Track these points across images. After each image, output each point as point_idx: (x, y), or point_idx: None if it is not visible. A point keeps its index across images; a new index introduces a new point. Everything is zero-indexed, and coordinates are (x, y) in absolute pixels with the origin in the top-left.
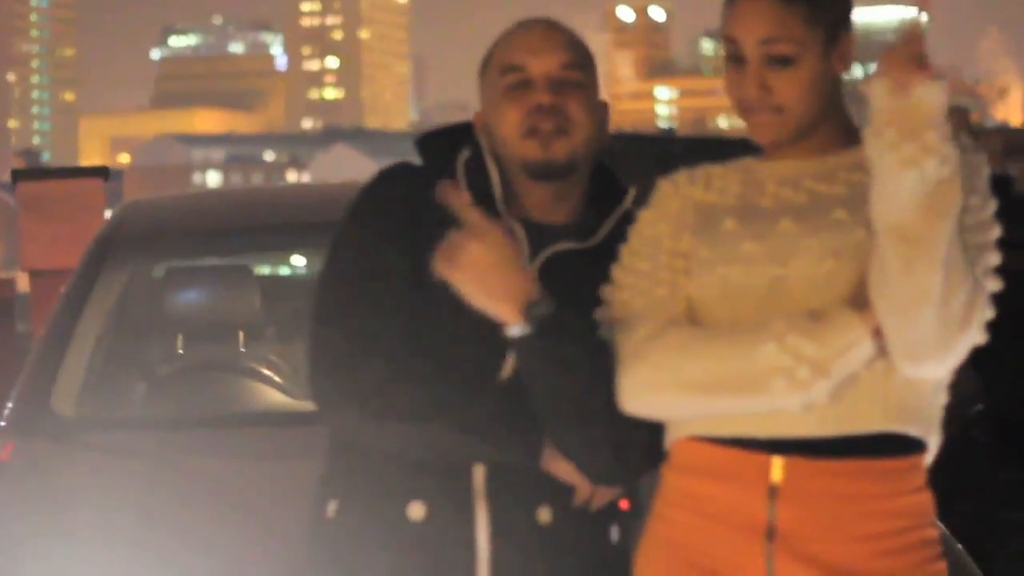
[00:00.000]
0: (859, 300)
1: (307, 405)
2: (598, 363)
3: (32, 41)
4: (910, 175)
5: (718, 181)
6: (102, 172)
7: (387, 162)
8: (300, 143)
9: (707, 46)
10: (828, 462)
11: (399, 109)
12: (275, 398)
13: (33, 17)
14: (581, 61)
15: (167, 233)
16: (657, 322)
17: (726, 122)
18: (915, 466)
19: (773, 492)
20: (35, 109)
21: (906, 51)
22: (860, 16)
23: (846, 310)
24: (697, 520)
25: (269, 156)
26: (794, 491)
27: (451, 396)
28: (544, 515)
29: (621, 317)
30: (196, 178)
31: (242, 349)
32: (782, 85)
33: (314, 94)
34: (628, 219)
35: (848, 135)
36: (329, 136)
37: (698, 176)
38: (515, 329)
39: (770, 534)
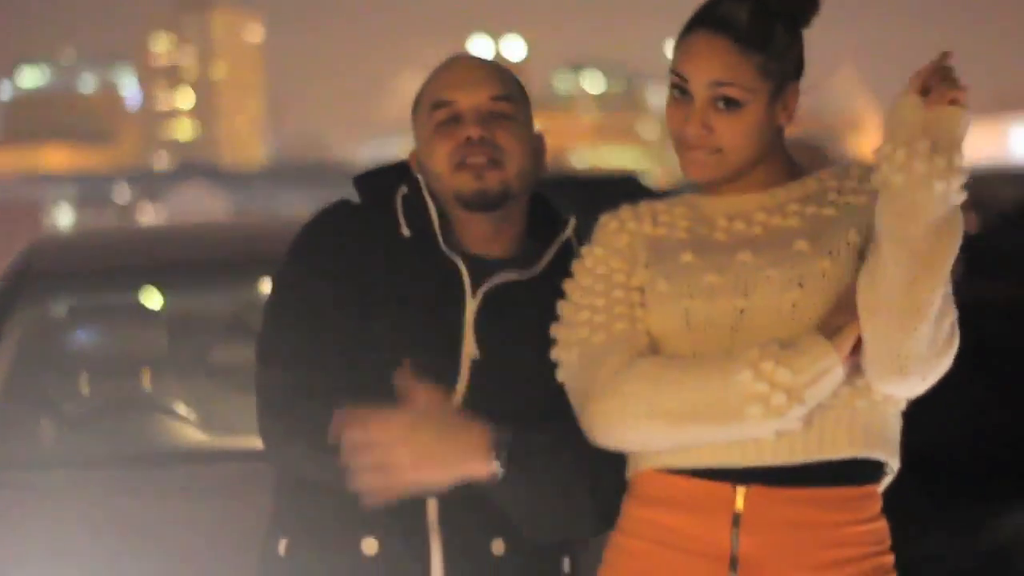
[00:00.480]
0: (826, 329)
1: (222, 441)
2: (570, 449)
3: None
4: (938, 188)
5: (664, 216)
6: None
7: (242, 198)
8: (154, 180)
9: (561, 83)
10: (789, 490)
11: (254, 146)
12: (189, 434)
13: None
14: (510, 93)
15: (74, 271)
16: (624, 355)
17: (580, 159)
18: (872, 494)
19: (736, 521)
20: None
21: (940, 68)
22: None
23: (818, 337)
24: (660, 550)
25: (123, 193)
26: (756, 519)
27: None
28: (497, 547)
29: (583, 354)
30: (47, 218)
31: (147, 388)
32: (725, 128)
33: (167, 131)
34: (568, 249)
35: (790, 172)
36: (183, 173)
37: (643, 211)
38: (490, 474)
39: (733, 563)
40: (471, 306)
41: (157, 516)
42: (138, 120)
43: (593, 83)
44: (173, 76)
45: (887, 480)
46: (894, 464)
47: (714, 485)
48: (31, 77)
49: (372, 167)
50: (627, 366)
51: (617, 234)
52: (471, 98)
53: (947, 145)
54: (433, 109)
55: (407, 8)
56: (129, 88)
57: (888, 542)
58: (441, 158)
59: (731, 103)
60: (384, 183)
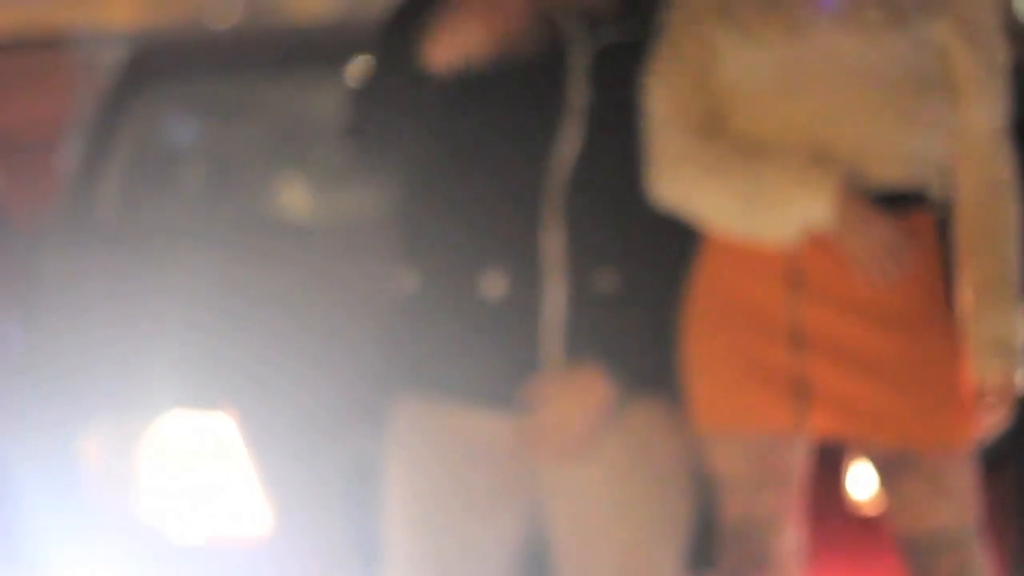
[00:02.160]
0: (880, 77)
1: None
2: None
3: None
4: None
5: None
6: (63, 43)
7: None
8: None
9: None
10: None
11: None
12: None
13: None
14: None
15: (191, 60)
16: (679, 132)
17: None
18: (923, 220)
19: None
20: None
21: None
22: None
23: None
24: (731, 266)
25: None
26: (815, 236)
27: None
28: (609, 284)
29: (653, 116)
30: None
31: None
32: None
33: None
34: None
35: None
36: None
37: None
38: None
39: (795, 276)
40: (582, 60)
41: (272, 278)
42: None
43: None
44: None
45: (934, 203)
46: (941, 191)
47: None
48: None
49: None
50: (680, 153)
51: None
52: None
53: None
54: None
55: None
56: None
57: (938, 266)
58: None
59: None
60: None
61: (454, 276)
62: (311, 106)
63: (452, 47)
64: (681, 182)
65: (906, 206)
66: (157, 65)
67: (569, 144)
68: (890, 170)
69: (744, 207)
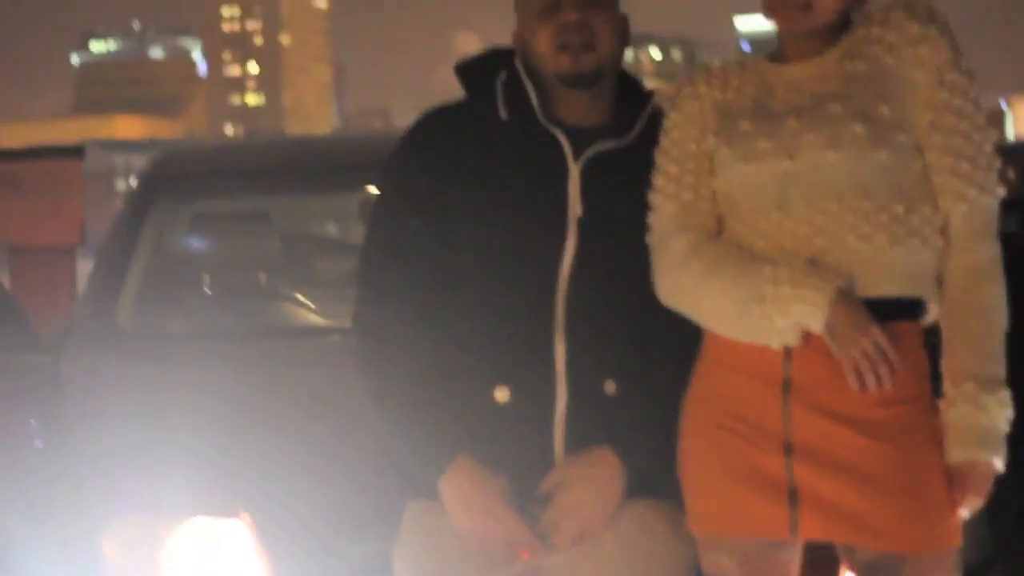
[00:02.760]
0: (867, 190)
1: (342, 322)
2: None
3: None
4: None
5: (735, 80)
6: (79, 151)
7: None
8: None
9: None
10: None
11: (321, 114)
12: (310, 317)
13: None
14: None
15: (204, 175)
16: (685, 235)
17: None
18: (912, 329)
19: (788, 351)
20: None
21: None
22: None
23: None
24: (728, 374)
25: None
26: (805, 348)
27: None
28: (609, 387)
29: (657, 224)
30: (119, 184)
31: (264, 282)
32: None
33: (236, 99)
34: (656, 118)
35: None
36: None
37: (717, 74)
38: None
39: (786, 386)
40: (574, 171)
41: (283, 382)
42: (206, 88)
43: (654, 53)
44: (241, 44)
45: (929, 317)
46: (933, 305)
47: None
48: (102, 46)
49: (472, 55)
50: (685, 256)
51: (690, 99)
52: None
53: None
54: None
55: None
56: (197, 56)
57: (926, 371)
58: (544, 40)
59: None
60: (485, 67)
61: (467, 387)
62: (322, 214)
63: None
64: (686, 282)
65: (899, 313)
66: (174, 177)
67: (568, 255)
68: (883, 281)
69: (742, 309)
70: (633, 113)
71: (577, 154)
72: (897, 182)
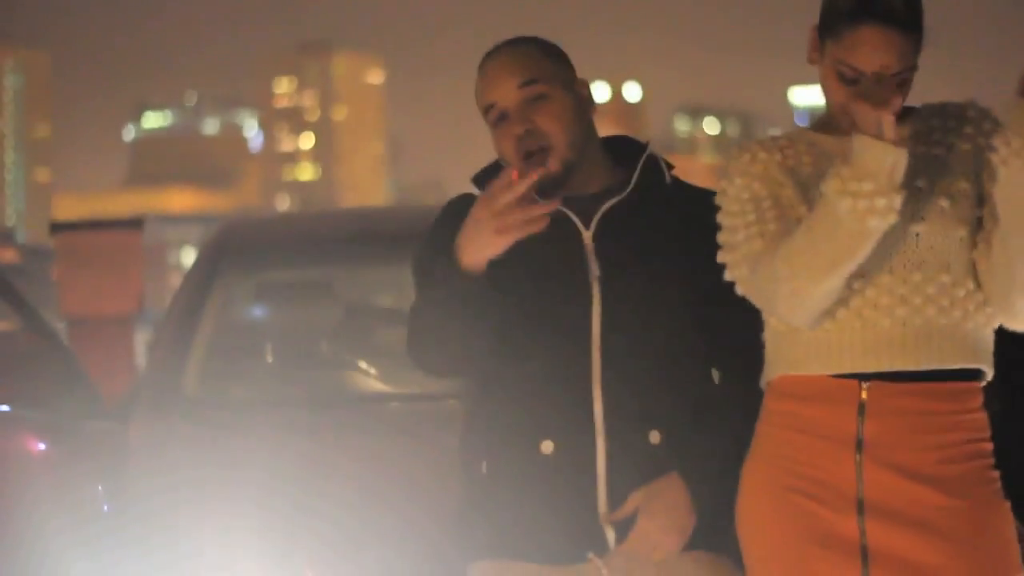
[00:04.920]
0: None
1: (402, 389)
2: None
3: (5, 120)
4: None
5: (789, 150)
6: (139, 224)
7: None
8: None
9: (681, 125)
10: (907, 385)
11: (375, 188)
12: (371, 384)
13: (6, 97)
14: (538, 72)
15: (268, 245)
16: (774, 248)
17: None
18: (975, 389)
19: (861, 409)
20: (9, 190)
21: None
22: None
23: (866, 140)
24: (796, 436)
25: None
26: (878, 408)
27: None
28: (654, 437)
29: (749, 264)
30: (171, 257)
31: (326, 353)
32: (898, 102)
33: (288, 173)
34: (651, 162)
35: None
36: None
37: (770, 145)
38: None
39: (859, 445)
40: (587, 236)
41: (346, 448)
42: (260, 162)
43: (711, 126)
44: (295, 118)
45: (986, 380)
46: (990, 371)
47: (842, 381)
48: (156, 120)
49: (484, 167)
50: (771, 254)
51: (752, 163)
52: (504, 95)
53: None
54: (486, 113)
55: None
56: (251, 130)
57: (987, 431)
58: (510, 155)
59: (903, 84)
60: (493, 172)
61: (517, 442)
62: (382, 284)
63: (475, 254)
64: (781, 260)
65: (962, 376)
66: (239, 247)
67: (596, 314)
68: (941, 350)
69: (832, 220)
70: (631, 167)
71: (586, 221)
72: (968, 259)
